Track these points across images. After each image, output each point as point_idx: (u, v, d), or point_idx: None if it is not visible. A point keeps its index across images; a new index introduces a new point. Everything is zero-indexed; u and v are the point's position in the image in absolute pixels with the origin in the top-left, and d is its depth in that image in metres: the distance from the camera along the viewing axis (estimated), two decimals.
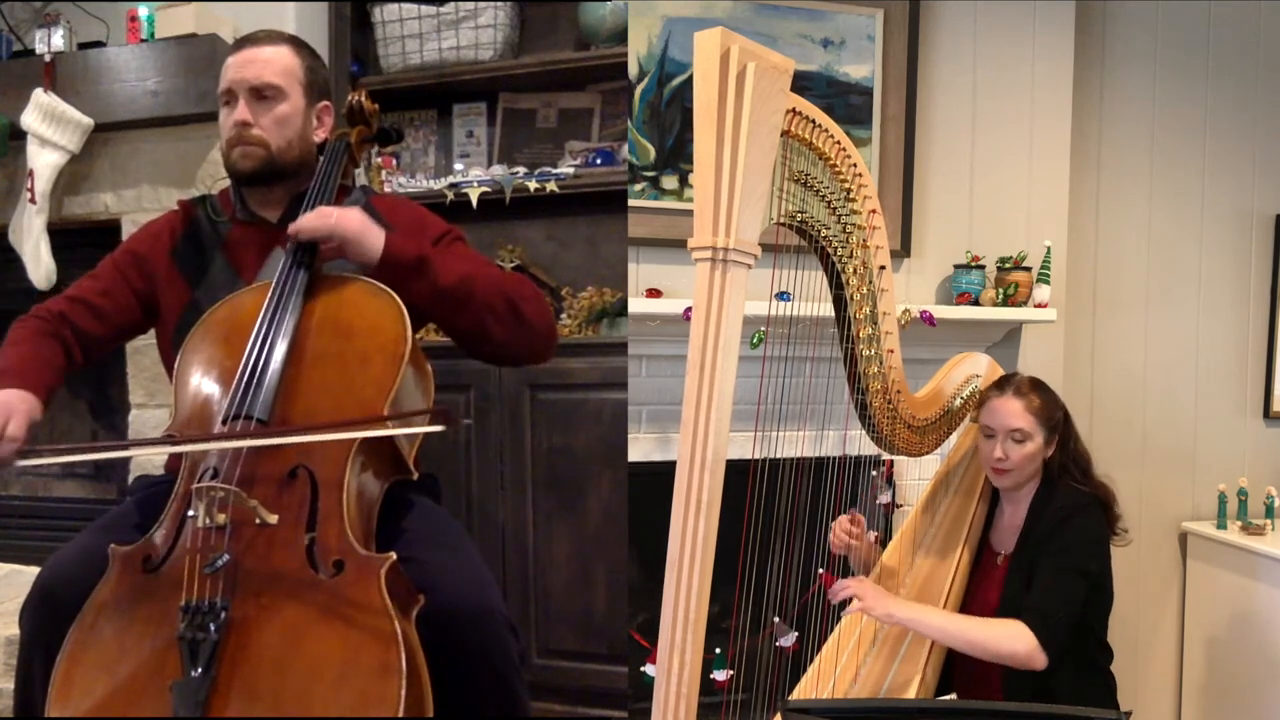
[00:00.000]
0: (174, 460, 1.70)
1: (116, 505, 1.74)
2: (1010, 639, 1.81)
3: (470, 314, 1.68)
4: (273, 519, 1.38)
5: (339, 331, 1.59)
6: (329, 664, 1.26)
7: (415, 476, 1.60)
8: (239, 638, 1.29)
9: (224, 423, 1.48)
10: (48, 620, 1.42)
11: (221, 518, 1.37)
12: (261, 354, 1.53)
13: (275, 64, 1.78)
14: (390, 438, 1.52)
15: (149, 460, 2.70)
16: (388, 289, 1.62)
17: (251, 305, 1.62)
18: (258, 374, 1.51)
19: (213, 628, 1.28)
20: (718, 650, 2.26)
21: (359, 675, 1.25)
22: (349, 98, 1.93)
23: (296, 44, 1.85)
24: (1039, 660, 1.81)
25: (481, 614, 1.49)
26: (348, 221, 1.63)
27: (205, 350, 1.61)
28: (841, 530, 2.03)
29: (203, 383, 1.58)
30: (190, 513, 1.39)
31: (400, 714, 1.22)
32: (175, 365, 1.62)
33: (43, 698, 1.34)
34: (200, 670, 1.24)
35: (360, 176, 2.85)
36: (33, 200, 2.72)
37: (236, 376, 1.51)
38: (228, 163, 1.79)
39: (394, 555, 1.37)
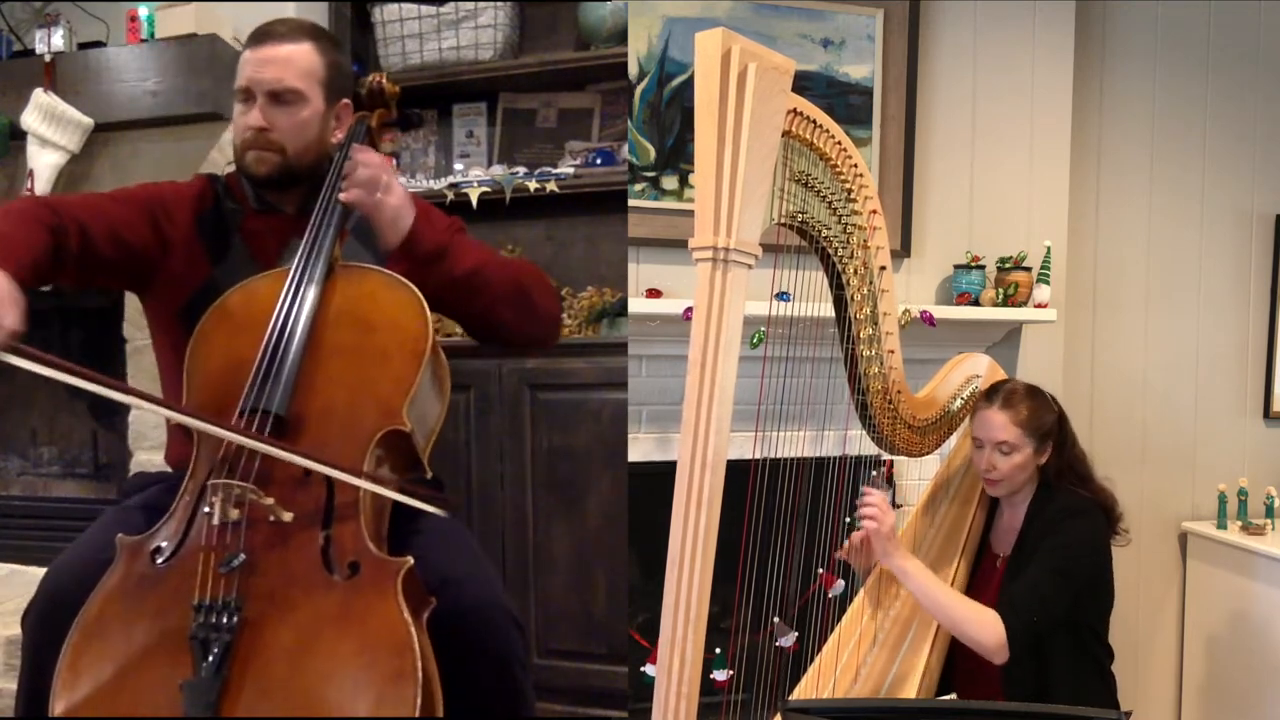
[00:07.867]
0: (178, 453, 1.65)
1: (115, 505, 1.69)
2: (982, 626, 1.81)
3: (483, 301, 1.70)
4: (288, 517, 1.36)
5: (358, 324, 1.56)
6: (344, 668, 1.25)
7: (429, 475, 1.57)
8: (251, 638, 1.27)
9: (240, 415, 1.44)
10: (59, 628, 1.36)
11: (236, 514, 1.35)
12: (278, 345, 1.49)
13: (296, 65, 1.68)
14: (409, 434, 1.49)
15: (149, 460, 2.70)
16: (408, 283, 1.59)
17: (267, 292, 1.57)
18: (275, 366, 1.47)
19: (226, 627, 1.26)
20: (718, 650, 2.25)
21: (374, 681, 1.24)
22: (369, 79, 1.86)
23: (319, 39, 1.74)
24: (1000, 657, 1.80)
25: (487, 612, 1.47)
26: (396, 185, 1.63)
27: (221, 336, 1.57)
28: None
29: (218, 370, 1.54)
30: (205, 508, 1.37)
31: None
32: (188, 347, 1.57)
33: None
34: (212, 670, 1.23)
35: None
36: None
37: (254, 369, 1.48)
38: (241, 163, 1.72)
39: (410, 560, 1.35)
